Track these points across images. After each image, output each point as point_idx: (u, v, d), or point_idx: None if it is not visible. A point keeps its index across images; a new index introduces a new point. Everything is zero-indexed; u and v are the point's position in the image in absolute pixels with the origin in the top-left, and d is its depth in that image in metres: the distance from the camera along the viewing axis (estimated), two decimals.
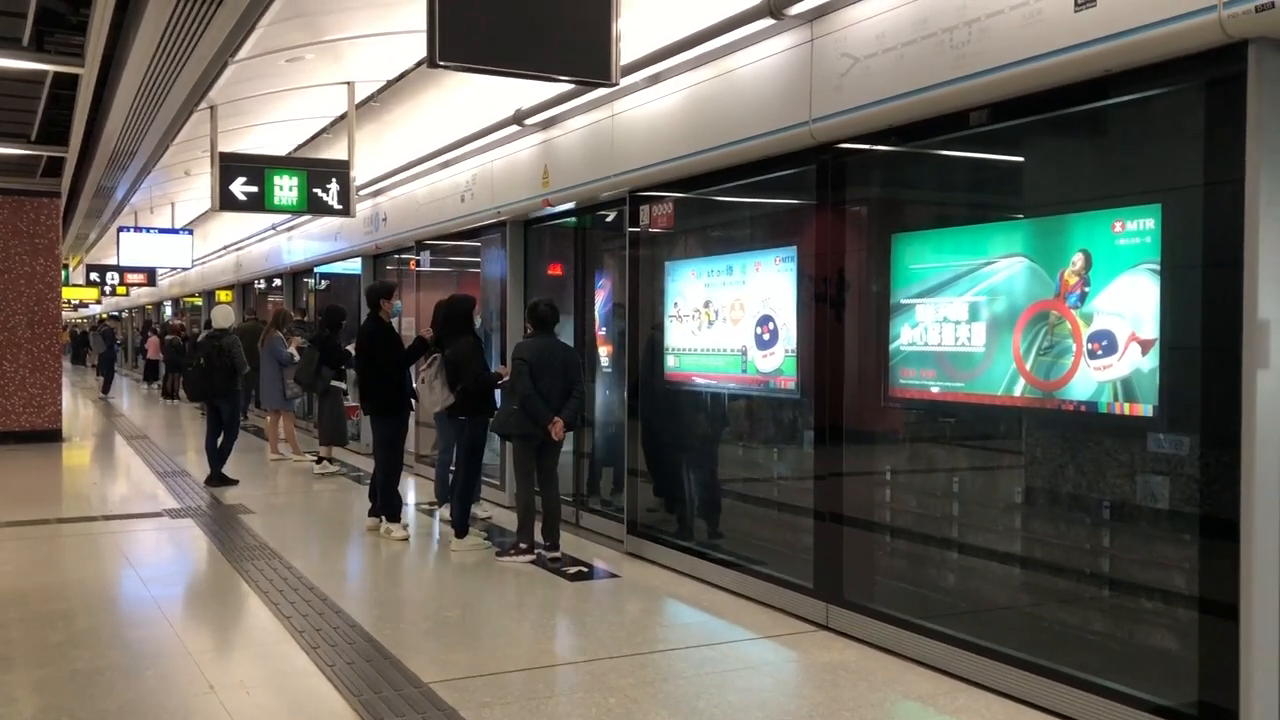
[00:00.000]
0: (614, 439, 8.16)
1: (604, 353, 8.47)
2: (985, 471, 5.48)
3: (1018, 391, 4.62)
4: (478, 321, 7.98)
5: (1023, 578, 5.09)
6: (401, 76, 8.82)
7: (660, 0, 6.28)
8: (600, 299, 8.57)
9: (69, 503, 10.23)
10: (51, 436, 14.21)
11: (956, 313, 4.91)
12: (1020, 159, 5.15)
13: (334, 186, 9.91)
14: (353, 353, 9.40)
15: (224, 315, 10.77)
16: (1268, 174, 3.59)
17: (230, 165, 9.70)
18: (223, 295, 22.16)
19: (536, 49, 5.02)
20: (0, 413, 14.00)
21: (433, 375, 7.55)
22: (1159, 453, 4.18)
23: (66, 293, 28.68)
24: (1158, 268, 4.02)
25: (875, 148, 5.37)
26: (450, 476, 8.03)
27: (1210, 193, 3.89)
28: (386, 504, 7.92)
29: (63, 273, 15.86)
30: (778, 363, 6.13)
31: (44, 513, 9.03)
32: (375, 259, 13.24)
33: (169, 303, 31.49)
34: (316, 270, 16.04)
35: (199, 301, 26.28)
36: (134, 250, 17.92)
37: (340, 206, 9.99)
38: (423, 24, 4.80)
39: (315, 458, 11.13)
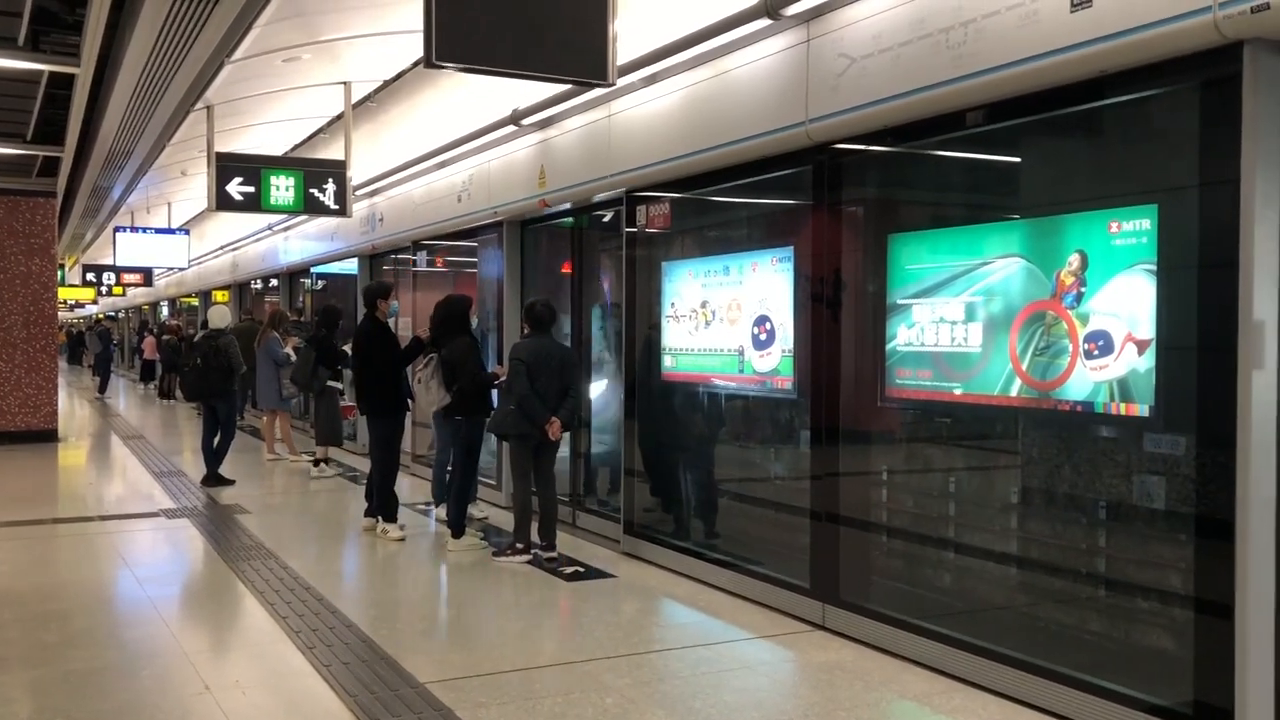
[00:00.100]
0: (611, 438, 8.16)
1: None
2: (981, 471, 5.49)
3: (1014, 392, 4.62)
4: (474, 322, 7.97)
5: (1019, 578, 5.09)
6: (398, 77, 8.82)
7: (657, 0, 6.28)
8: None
9: (65, 503, 10.22)
10: (47, 437, 14.19)
11: (953, 313, 4.91)
12: (1017, 159, 5.15)
13: (330, 187, 9.90)
14: (349, 353, 9.41)
15: (220, 315, 10.76)
16: (1263, 174, 3.60)
17: (227, 165, 9.68)
18: (219, 295, 22.14)
19: (533, 49, 5.02)
20: None
21: (429, 375, 7.55)
22: (1155, 453, 4.18)
23: (63, 293, 28.62)
24: (1154, 268, 4.03)
25: (872, 148, 5.37)
26: (447, 477, 8.03)
27: (1206, 193, 3.90)
28: (383, 504, 7.92)
29: (59, 273, 15.81)
30: (774, 363, 6.13)
31: (40, 513, 9.02)
32: (372, 259, 13.24)
33: (165, 303, 31.47)
34: (313, 270, 16.03)
35: (195, 301, 26.26)
36: (130, 250, 17.90)
37: (337, 207, 9.98)
38: (419, 24, 4.79)
39: (313, 460, 11.12)
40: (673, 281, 7.07)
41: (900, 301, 5.21)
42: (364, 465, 9.44)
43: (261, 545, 7.53)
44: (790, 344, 5.99)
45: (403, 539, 7.73)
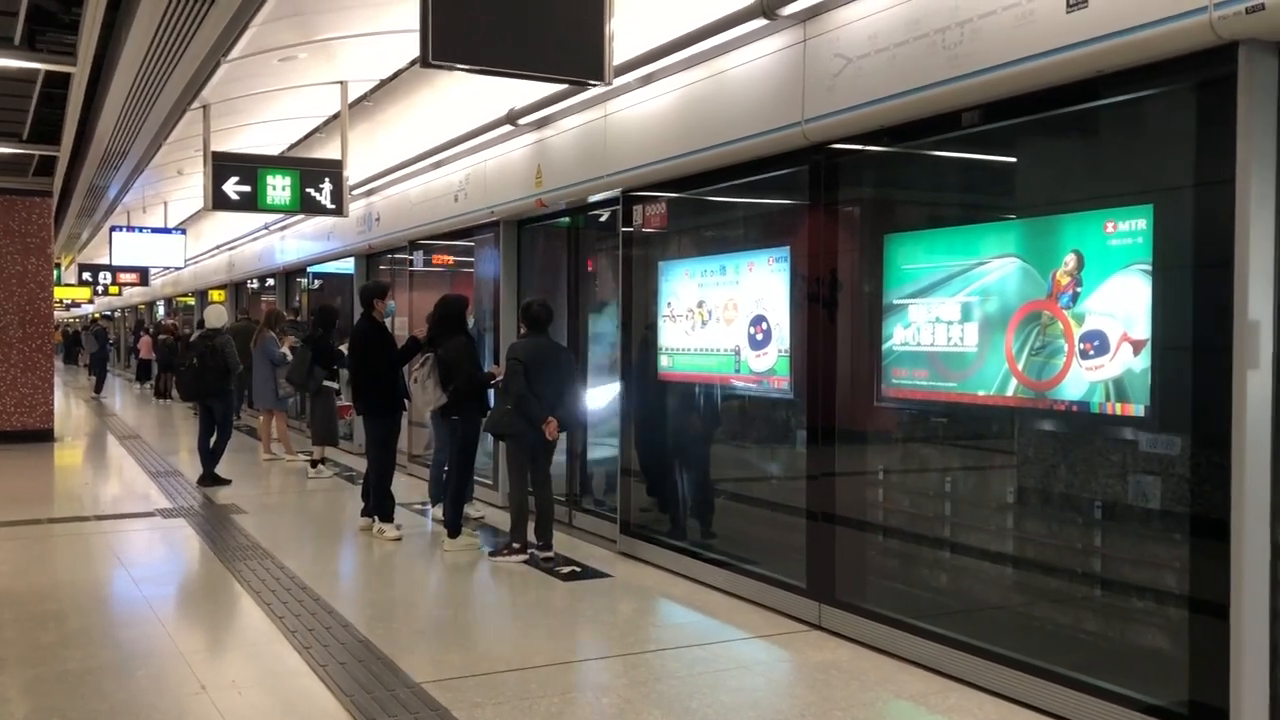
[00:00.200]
0: (607, 438, 8.16)
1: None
2: (977, 471, 5.50)
3: (1010, 392, 4.63)
4: (471, 321, 7.97)
5: (1015, 577, 5.10)
6: (395, 76, 8.81)
7: (653, 0, 6.28)
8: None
9: (61, 503, 10.20)
10: (43, 436, 14.17)
11: (949, 313, 4.92)
12: (1013, 159, 5.16)
13: (327, 186, 9.89)
14: (345, 353, 9.40)
15: (217, 315, 10.75)
16: (1258, 174, 3.61)
17: (223, 165, 9.68)
18: (216, 295, 22.13)
19: (529, 49, 5.03)
20: None
21: (425, 375, 7.55)
22: (1150, 453, 4.19)
23: (59, 292, 28.58)
24: (1149, 268, 4.03)
25: (868, 148, 5.37)
26: (444, 476, 8.02)
27: (1201, 193, 3.90)
28: (379, 504, 7.91)
29: (55, 272, 15.81)
30: (771, 363, 6.13)
31: (36, 513, 9.01)
32: (368, 259, 13.23)
33: (162, 302, 31.43)
34: (309, 270, 16.02)
35: (192, 301, 26.23)
36: (127, 250, 17.89)
37: (333, 206, 9.98)
38: (416, 24, 4.80)
39: (309, 461, 11.10)
40: (669, 281, 7.07)
41: (896, 301, 5.22)
42: (360, 465, 9.44)
43: (258, 545, 7.52)
44: (786, 344, 5.99)
45: (399, 539, 7.73)
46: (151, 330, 26.14)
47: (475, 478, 8.47)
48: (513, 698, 4.51)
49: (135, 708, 4.41)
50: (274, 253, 16.92)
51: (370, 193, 11.96)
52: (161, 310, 31.37)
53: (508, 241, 9.25)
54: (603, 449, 8.36)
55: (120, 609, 6.17)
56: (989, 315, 4.73)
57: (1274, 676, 3.70)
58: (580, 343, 8.54)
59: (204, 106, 9.34)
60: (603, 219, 8.18)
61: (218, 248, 20.76)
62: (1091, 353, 4.23)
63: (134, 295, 32.80)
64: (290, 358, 11.57)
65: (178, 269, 23.33)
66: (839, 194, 5.62)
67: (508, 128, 8.28)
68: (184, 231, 19.12)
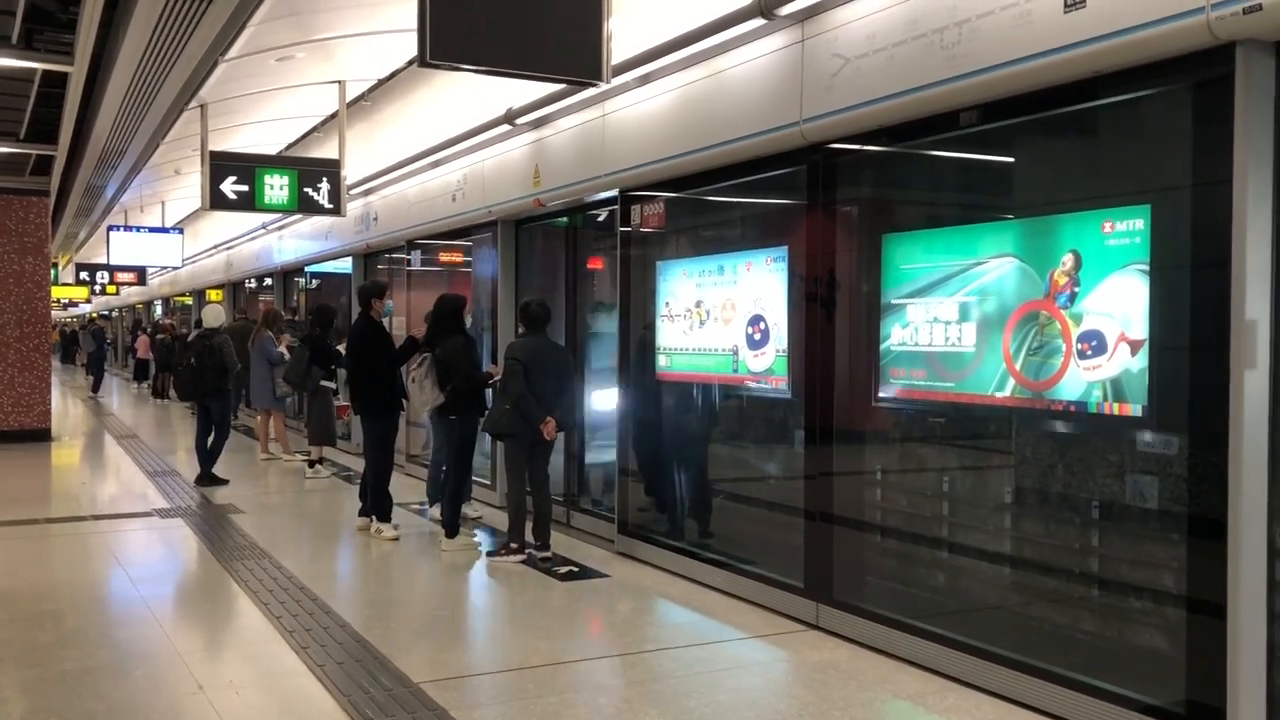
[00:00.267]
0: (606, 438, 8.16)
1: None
2: (975, 471, 5.50)
3: (1008, 391, 4.63)
4: (468, 321, 7.97)
5: (1012, 577, 5.10)
6: (392, 75, 8.81)
7: (651, 0, 6.28)
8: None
9: (58, 502, 10.20)
10: (40, 436, 14.15)
11: (947, 313, 4.92)
12: (1010, 159, 5.16)
13: (325, 186, 9.89)
14: (343, 352, 9.39)
15: (214, 314, 10.74)
16: (1255, 175, 3.61)
17: (221, 164, 9.67)
18: (213, 294, 22.11)
19: (527, 48, 5.02)
20: None
21: (423, 375, 7.55)
22: (1148, 452, 4.19)
23: (56, 292, 28.53)
24: (1147, 268, 4.04)
25: (866, 148, 5.38)
26: (443, 476, 8.02)
27: (1199, 193, 3.91)
28: (377, 504, 7.91)
29: (52, 272, 15.77)
30: (769, 362, 6.14)
31: (33, 512, 9.00)
32: (366, 258, 13.22)
33: (159, 302, 31.40)
34: (307, 269, 16.01)
35: (189, 301, 26.21)
36: (124, 249, 17.87)
37: (331, 206, 9.97)
38: (414, 23, 4.79)
39: (307, 461, 11.09)
40: (667, 281, 7.07)
41: (894, 301, 5.22)
42: (358, 465, 9.43)
43: (255, 545, 7.52)
44: (784, 344, 5.99)
45: (397, 538, 7.73)
46: (149, 330, 26.11)
47: (473, 477, 8.46)
48: (510, 697, 4.51)
49: (133, 708, 4.40)
50: (271, 252, 16.91)
51: (368, 192, 11.95)
52: (159, 310, 31.35)
53: (506, 241, 9.25)
54: (601, 449, 8.36)
55: (118, 609, 6.16)
56: (987, 315, 4.73)
57: (1271, 676, 3.70)
58: (578, 342, 8.54)
59: (201, 106, 9.34)
60: (601, 219, 8.17)
61: (215, 247, 20.75)
62: (1089, 352, 4.23)
63: (131, 295, 32.79)
64: (288, 357, 11.57)
65: (175, 268, 23.32)
66: (837, 194, 5.62)
67: (506, 127, 8.28)
68: (181, 231, 19.11)
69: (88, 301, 38.70)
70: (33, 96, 10.40)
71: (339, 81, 9.16)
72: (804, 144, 5.50)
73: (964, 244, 4.93)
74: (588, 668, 4.93)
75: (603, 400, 8.32)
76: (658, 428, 7.44)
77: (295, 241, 15.58)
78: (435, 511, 8.20)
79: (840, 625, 5.37)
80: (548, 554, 7.01)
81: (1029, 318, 4.51)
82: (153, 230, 18.38)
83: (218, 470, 10.31)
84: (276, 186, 9.78)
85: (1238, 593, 3.65)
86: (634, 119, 6.90)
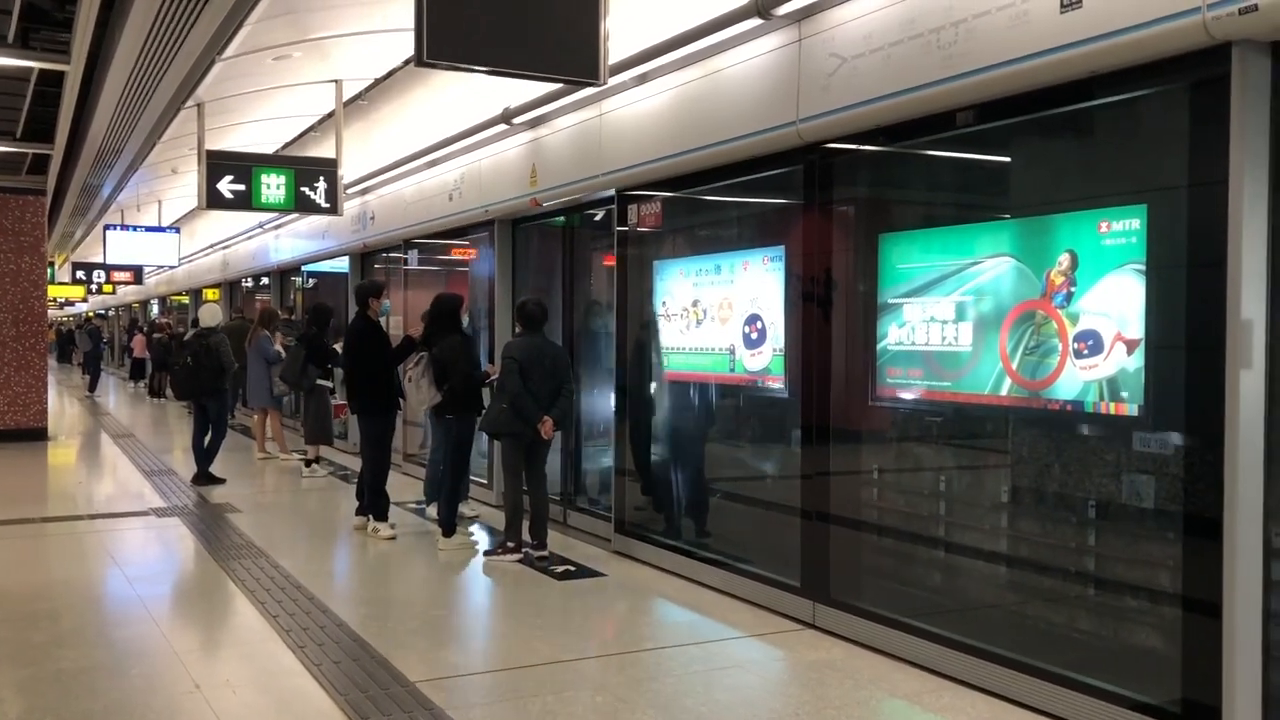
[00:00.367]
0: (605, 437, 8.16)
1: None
2: (971, 470, 5.50)
3: (1004, 391, 4.64)
4: (465, 320, 7.97)
5: (1009, 576, 5.11)
6: (389, 75, 8.80)
7: (648, 0, 6.28)
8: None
9: (54, 501, 10.18)
10: (37, 435, 14.13)
11: (943, 312, 4.92)
12: (1007, 159, 5.16)
13: (321, 185, 9.88)
14: (339, 351, 9.38)
15: (211, 314, 10.73)
16: (1251, 175, 3.62)
17: (217, 163, 9.66)
18: (210, 294, 22.08)
19: (524, 48, 5.02)
20: None
21: (419, 374, 7.55)
22: (1144, 452, 4.20)
23: (52, 291, 28.52)
24: (1143, 268, 4.04)
25: (862, 148, 5.38)
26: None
27: (1195, 193, 3.91)
28: (374, 503, 7.91)
29: (48, 271, 15.77)
30: (765, 362, 6.14)
31: (29, 511, 8.99)
32: (363, 257, 13.22)
33: (156, 301, 31.37)
34: (304, 269, 16.00)
35: (186, 300, 26.18)
36: (120, 248, 17.83)
37: (328, 205, 9.96)
38: (411, 22, 4.79)
39: (304, 460, 11.08)
40: (664, 280, 7.08)
41: (891, 301, 5.22)
42: (355, 464, 9.44)
43: (252, 544, 7.52)
44: (781, 343, 6.00)
45: (394, 538, 7.73)
46: (145, 329, 26.08)
47: (471, 477, 8.46)
48: (507, 696, 4.51)
49: (129, 707, 4.40)
50: (268, 251, 16.89)
51: (365, 192, 11.94)
52: (156, 309, 31.31)
53: (503, 240, 9.24)
54: (597, 448, 8.36)
55: (114, 608, 6.16)
56: (983, 315, 4.74)
57: (1266, 675, 3.71)
58: (575, 342, 8.54)
59: (198, 105, 9.32)
60: (598, 218, 8.17)
61: (212, 246, 20.73)
62: (1085, 352, 4.24)
63: (128, 294, 32.74)
64: (285, 356, 11.56)
65: (172, 268, 23.28)
66: (833, 193, 5.63)
67: (503, 127, 8.28)
68: (178, 230, 19.08)
69: (84, 300, 38.65)
70: (29, 95, 10.39)
71: (336, 81, 9.16)
72: (801, 144, 5.50)
73: (960, 244, 4.94)
74: (584, 667, 4.93)
75: (599, 399, 8.32)
76: (655, 427, 7.44)
77: (292, 241, 15.57)
78: (433, 510, 8.19)
79: (837, 624, 5.38)
80: (544, 553, 7.01)
81: (1025, 317, 4.51)
82: (149, 229, 18.35)
83: (215, 469, 10.31)
84: (273, 186, 9.77)
85: (1233, 592, 3.65)
86: (631, 118, 6.90)
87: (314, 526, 8.70)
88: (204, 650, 5.38)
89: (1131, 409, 4.10)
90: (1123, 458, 4.32)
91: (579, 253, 8.72)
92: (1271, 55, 3.61)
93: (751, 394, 6.52)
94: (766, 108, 5.62)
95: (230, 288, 21.17)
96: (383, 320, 8.48)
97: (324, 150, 10.48)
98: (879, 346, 5.29)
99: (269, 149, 11.89)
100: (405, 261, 11.66)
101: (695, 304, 6.72)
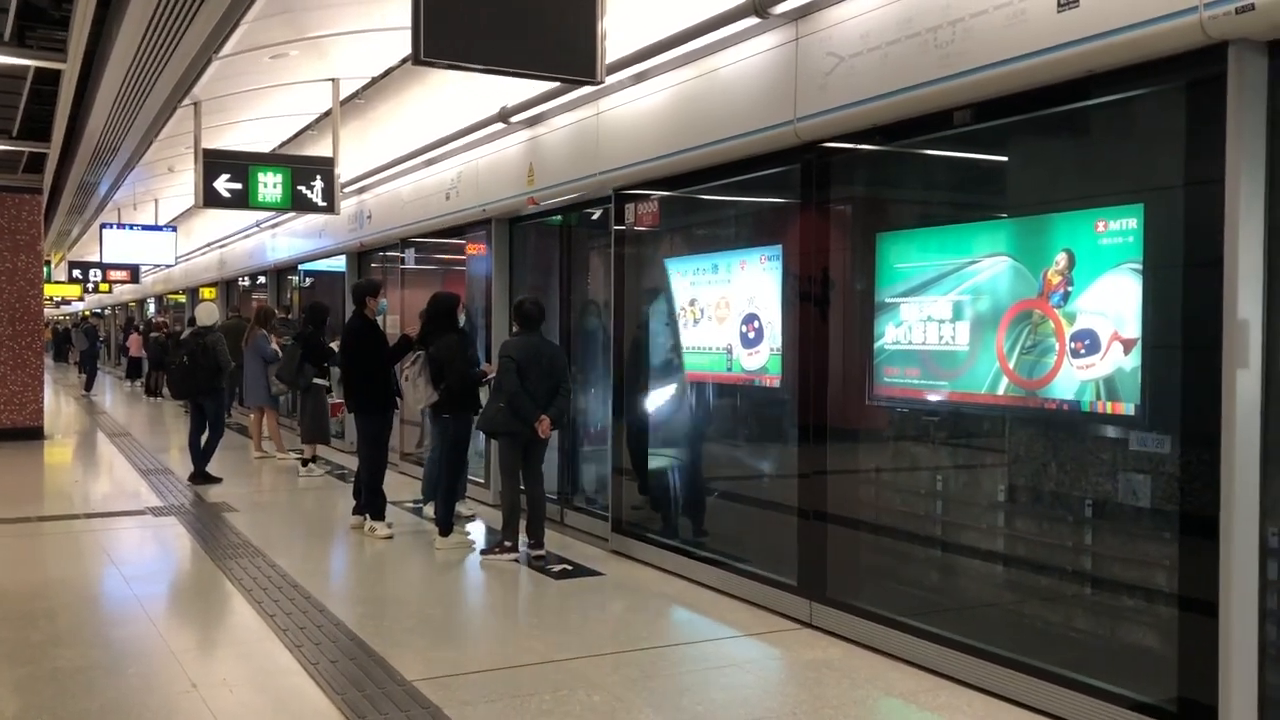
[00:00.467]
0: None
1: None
2: (968, 470, 5.51)
3: (1001, 390, 4.64)
4: (462, 319, 7.97)
5: (1005, 575, 5.11)
6: (386, 73, 8.80)
7: None
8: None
9: (51, 500, 10.17)
10: (33, 434, 14.12)
11: (940, 312, 4.93)
12: (1004, 158, 5.17)
13: (318, 184, 9.87)
14: (337, 350, 9.37)
15: (208, 312, 10.72)
16: (1247, 174, 3.62)
17: (214, 162, 9.65)
18: (207, 292, 22.06)
19: (522, 46, 5.02)
20: None
21: (416, 372, 7.55)
22: (1140, 451, 4.20)
23: (49, 289, 28.47)
24: (1140, 267, 4.05)
25: (860, 147, 5.38)
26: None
27: (1192, 193, 3.92)
28: (371, 502, 7.91)
29: (45, 269, 15.75)
30: (763, 361, 6.14)
31: (26, 511, 8.97)
32: (360, 256, 13.20)
33: (152, 300, 31.33)
34: (301, 267, 15.99)
35: (183, 299, 26.15)
36: (117, 247, 17.81)
37: (325, 204, 9.96)
38: (407, 21, 4.79)
39: (301, 460, 11.06)
40: (663, 280, 7.07)
41: (888, 300, 5.22)
42: (352, 463, 9.43)
43: (249, 543, 7.51)
44: (778, 342, 6.00)
45: (390, 537, 7.72)
46: (141, 328, 26.05)
47: (468, 476, 8.46)
48: (504, 695, 4.51)
49: (126, 706, 4.39)
50: (265, 250, 16.88)
51: (362, 190, 11.93)
52: (152, 308, 31.26)
53: (500, 239, 9.24)
54: (594, 447, 8.36)
55: (111, 607, 6.15)
56: (980, 314, 4.74)
57: (1263, 674, 3.71)
58: (572, 341, 8.53)
59: (195, 103, 9.31)
60: (595, 217, 8.17)
61: (208, 245, 20.70)
62: (1082, 351, 4.24)
63: (124, 293, 32.69)
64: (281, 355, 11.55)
65: (168, 266, 23.26)
66: (831, 192, 5.63)
67: (500, 125, 8.27)
68: (175, 229, 19.06)
69: (81, 299, 38.56)
70: (25, 94, 10.39)
71: (333, 79, 9.15)
72: (798, 143, 5.50)
73: (958, 243, 4.94)
74: (581, 665, 4.93)
75: (597, 398, 8.32)
76: (651, 426, 7.43)
77: (289, 239, 15.55)
78: (431, 509, 8.19)
79: (834, 623, 5.38)
80: (541, 552, 7.01)
81: (1022, 316, 4.52)
82: (146, 228, 18.33)
83: (211, 468, 10.30)
84: (270, 184, 9.77)
85: (1230, 591, 3.66)
86: (628, 117, 6.90)
87: (311, 526, 8.70)
88: (201, 649, 5.38)
89: (1128, 408, 4.11)
90: (1119, 457, 4.32)
91: (576, 252, 8.72)
92: (1268, 55, 3.61)
93: (749, 393, 6.52)
94: (764, 107, 5.62)
95: (227, 287, 21.15)
96: (379, 319, 8.47)
97: (321, 149, 10.47)
98: (876, 346, 5.29)
99: (266, 148, 11.88)
100: (402, 260, 11.66)
101: (692, 303, 6.72)
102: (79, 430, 15.96)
